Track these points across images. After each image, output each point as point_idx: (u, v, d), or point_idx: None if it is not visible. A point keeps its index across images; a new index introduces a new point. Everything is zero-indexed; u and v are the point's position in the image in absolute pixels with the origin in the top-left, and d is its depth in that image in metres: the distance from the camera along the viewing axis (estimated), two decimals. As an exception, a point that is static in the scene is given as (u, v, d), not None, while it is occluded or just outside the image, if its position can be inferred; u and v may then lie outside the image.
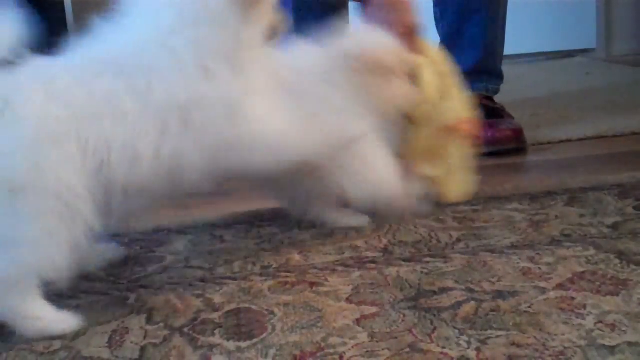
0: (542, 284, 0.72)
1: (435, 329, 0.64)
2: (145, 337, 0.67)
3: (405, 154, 0.97)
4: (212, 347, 0.64)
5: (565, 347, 0.59)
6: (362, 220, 0.94)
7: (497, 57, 1.42)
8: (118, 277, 0.82)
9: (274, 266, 0.82)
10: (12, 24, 0.67)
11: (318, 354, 0.61)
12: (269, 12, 0.80)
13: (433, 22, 1.48)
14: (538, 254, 0.80)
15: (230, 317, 0.69)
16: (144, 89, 0.72)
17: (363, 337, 0.63)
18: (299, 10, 1.32)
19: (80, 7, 2.17)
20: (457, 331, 0.63)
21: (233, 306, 0.72)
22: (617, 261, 0.76)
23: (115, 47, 0.75)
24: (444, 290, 0.72)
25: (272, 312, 0.70)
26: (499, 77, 1.44)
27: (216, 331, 0.67)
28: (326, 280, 0.77)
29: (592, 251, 0.79)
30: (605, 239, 0.83)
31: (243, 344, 0.64)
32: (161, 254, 0.89)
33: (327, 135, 0.83)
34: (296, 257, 0.84)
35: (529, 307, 0.67)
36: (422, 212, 0.94)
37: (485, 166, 1.23)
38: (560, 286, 0.71)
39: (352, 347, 0.62)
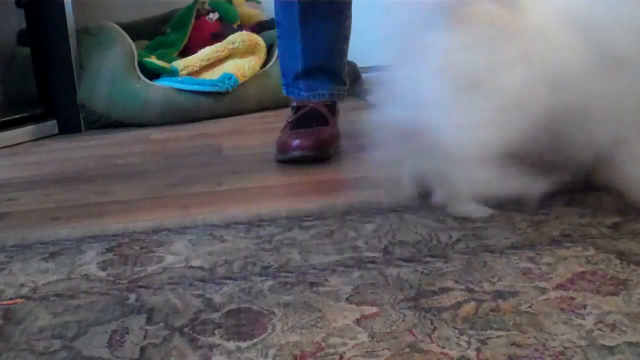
0: (542, 284, 0.72)
1: (435, 329, 0.64)
2: (145, 337, 0.67)
3: None
4: (212, 347, 0.64)
5: (565, 347, 0.59)
6: (484, 212, 0.94)
7: None
8: (118, 277, 0.83)
9: (274, 266, 0.82)
10: None
11: (318, 354, 0.61)
12: None
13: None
14: (538, 254, 0.80)
15: (230, 317, 0.69)
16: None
17: (363, 337, 0.63)
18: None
19: (81, 7, 2.17)
20: (457, 331, 0.63)
21: (233, 306, 0.72)
22: (617, 261, 0.76)
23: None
24: (444, 290, 0.72)
25: (272, 312, 0.70)
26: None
27: (216, 331, 0.67)
28: (326, 280, 0.77)
29: (592, 251, 0.80)
30: (605, 239, 0.83)
31: (243, 344, 0.64)
32: (161, 254, 0.89)
33: None
34: (296, 257, 0.84)
35: (529, 307, 0.67)
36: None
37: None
38: (560, 286, 0.71)
39: (352, 347, 0.62)
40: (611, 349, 0.58)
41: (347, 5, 1.42)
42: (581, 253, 0.79)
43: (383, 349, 0.61)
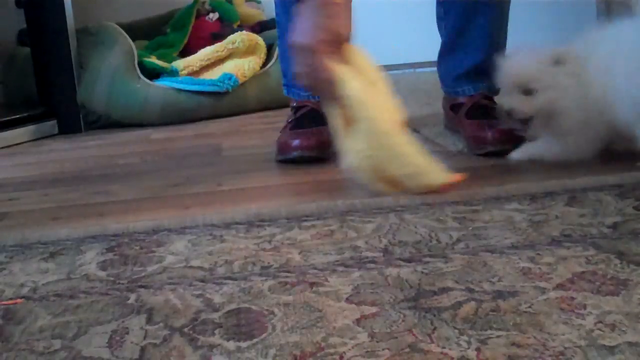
0: (542, 284, 0.72)
1: (435, 329, 0.64)
2: (145, 337, 0.67)
3: None
4: (212, 347, 0.64)
5: (565, 347, 0.59)
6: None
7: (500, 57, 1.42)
8: (118, 277, 0.83)
9: (274, 266, 0.82)
10: None
11: (318, 354, 0.61)
12: None
13: (433, 22, 1.48)
14: (538, 254, 0.80)
15: (230, 317, 0.69)
16: None
17: (363, 337, 0.63)
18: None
19: (81, 7, 2.17)
20: (457, 331, 0.63)
21: (233, 306, 0.72)
22: (617, 261, 0.76)
23: None
24: (444, 290, 0.72)
25: (272, 312, 0.70)
26: (500, 77, 1.44)
27: (216, 331, 0.67)
28: (326, 280, 0.77)
29: (592, 251, 0.80)
30: (605, 239, 0.83)
31: (243, 344, 0.64)
32: (161, 254, 0.89)
33: None
34: (296, 257, 0.84)
35: (529, 307, 0.67)
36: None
37: (485, 166, 1.23)
38: (560, 286, 0.71)
39: (352, 347, 0.62)
40: (611, 349, 0.58)
41: None
42: (581, 253, 0.79)
43: (383, 349, 0.61)
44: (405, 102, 1.95)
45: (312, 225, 0.96)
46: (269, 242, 0.91)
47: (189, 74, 2.15)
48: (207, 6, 2.44)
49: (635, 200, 0.96)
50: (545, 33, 2.68)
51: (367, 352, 0.61)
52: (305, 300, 0.72)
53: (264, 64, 2.26)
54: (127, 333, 0.68)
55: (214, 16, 2.42)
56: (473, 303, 0.69)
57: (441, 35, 1.47)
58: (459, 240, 0.86)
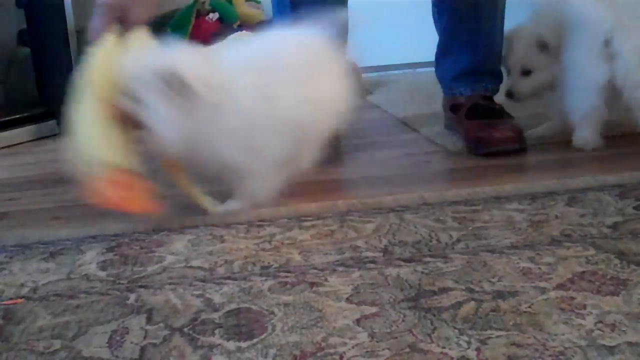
0: (542, 284, 0.72)
1: (435, 329, 0.64)
2: (145, 337, 0.67)
3: None
4: (212, 347, 0.64)
5: (565, 347, 0.59)
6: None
7: (496, 57, 1.42)
8: (118, 277, 0.83)
9: (274, 266, 0.82)
10: None
11: (318, 354, 0.61)
12: None
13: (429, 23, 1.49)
14: (538, 254, 0.80)
15: (230, 317, 0.69)
16: None
17: (363, 337, 0.63)
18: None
19: (81, 7, 2.17)
20: (457, 331, 0.63)
21: (233, 306, 0.72)
22: (617, 261, 0.76)
23: None
24: (444, 290, 0.72)
25: (272, 312, 0.70)
26: (498, 77, 1.43)
27: (216, 331, 0.67)
28: (326, 280, 0.77)
29: (592, 251, 0.80)
30: (605, 239, 0.83)
31: (243, 344, 0.64)
32: (161, 254, 0.89)
33: None
34: (296, 257, 0.84)
35: (529, 307, 0.67)
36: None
37: (485, 166, 1.23)
38: (560, 286, 0.71)
39: (352, 347, 0.62)
40: (611, 349, 0.58)
41: (344, 4, 1.42)
42: (581, 253, 0.79)
43: (383, 349, 0.61)
44: (405, 102, 1.96)
45: (312, 225, 0.96)
46: (269, 242, 0.91)
47: (189, 74, 2.14)
48: (207, 6, 2.44)
49: (635, 200, 0.96)
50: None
51: (367, 352, 0.61)
52: (305, 300, 0.72)
53: (264, 64, 2.26)
54: (127, 333, 0.68)
55: (214, 16, 2.42)
56: (473, 303, 0.69)
57: (438, 36, 1.47)
58: (459, 240, 0.86)
